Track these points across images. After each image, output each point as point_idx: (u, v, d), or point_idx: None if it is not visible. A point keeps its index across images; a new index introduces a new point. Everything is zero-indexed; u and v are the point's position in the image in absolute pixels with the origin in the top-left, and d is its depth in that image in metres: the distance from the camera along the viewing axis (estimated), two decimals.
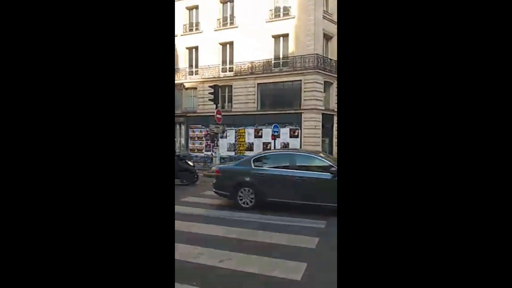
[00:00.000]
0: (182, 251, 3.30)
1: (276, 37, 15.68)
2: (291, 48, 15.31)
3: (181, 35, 18.35)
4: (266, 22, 15.71)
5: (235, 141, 17.20)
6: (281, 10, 15.57)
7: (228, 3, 17.06)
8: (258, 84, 16.09)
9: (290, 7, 15.25)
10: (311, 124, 14.70)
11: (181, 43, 18.42)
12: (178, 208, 5.61)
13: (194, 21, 18.18)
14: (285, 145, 15.03)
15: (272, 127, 13.66)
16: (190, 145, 18.36)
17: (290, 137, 15.25)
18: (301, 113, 14.82)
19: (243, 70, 16.48)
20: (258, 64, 15.90)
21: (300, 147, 14.45)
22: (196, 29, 18.01)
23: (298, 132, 15.07)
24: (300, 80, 14.90)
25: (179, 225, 4.34)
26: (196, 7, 17.91)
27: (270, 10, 15.72)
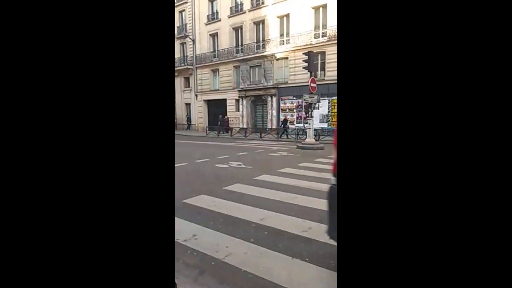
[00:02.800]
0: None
1: None
2: None
3: (272, 4, 17.86)
4: None
5: (328, 112, 16.33)
6: None
7: None
8: None
9: None
10: None
11: (272, 13, 17.96)
12: (275, 179, 5.54)
13: None
14: None
15: None
16: (281, 117, 18.33)
17: None
18: None
19: None
20: None
21: None
22: None
23: None
24: None
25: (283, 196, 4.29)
26: None
27: None
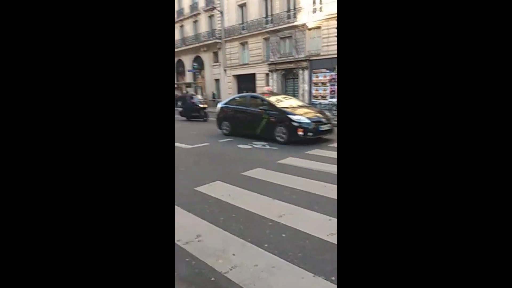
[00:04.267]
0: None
1: None
2: None
3: None
4: None
5: None
6: None
7: None
8: None
9: None
10: None
11: None
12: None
13: None
14: None
15: None
16: (314, 92, 17.24)
17: None
18: None
19: None
20: None
21: None
22: None
23: None
24: None
25: None
26: None
27: None
